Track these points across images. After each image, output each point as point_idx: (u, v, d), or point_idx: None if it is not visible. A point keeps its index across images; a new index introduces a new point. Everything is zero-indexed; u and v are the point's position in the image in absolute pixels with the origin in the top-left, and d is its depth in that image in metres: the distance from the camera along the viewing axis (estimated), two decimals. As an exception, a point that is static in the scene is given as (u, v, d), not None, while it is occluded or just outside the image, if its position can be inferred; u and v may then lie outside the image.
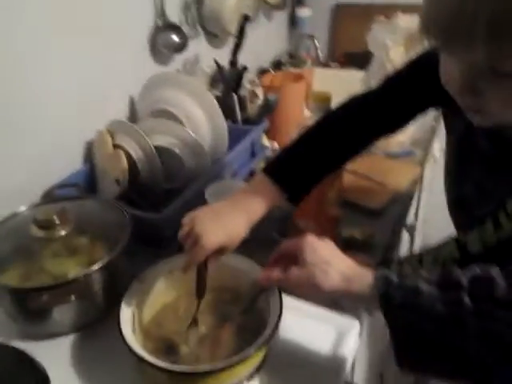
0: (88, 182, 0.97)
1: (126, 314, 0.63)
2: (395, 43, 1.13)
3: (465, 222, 0.77)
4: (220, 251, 0.65)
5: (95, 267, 0.66)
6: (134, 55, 1.11)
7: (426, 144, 1.23)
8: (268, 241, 0.88)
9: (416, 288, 0.49)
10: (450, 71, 0.51)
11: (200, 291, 0.65)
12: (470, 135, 0.67)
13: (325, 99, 0.71)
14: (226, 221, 0.66)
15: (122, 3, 1.04)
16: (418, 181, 1.09)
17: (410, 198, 1.01)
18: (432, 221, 1.64)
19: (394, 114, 0.75)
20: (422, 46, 1.13)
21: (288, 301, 0.64)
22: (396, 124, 0.78)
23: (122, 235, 0.72)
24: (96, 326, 0.71)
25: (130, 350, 0.56)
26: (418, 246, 1.45)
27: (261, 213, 0.70)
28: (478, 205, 0.70)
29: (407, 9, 1.30)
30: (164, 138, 0.96)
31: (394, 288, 0.51)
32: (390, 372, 1.09)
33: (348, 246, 0.83)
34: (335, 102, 0.75)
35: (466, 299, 0.47)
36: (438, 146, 1.34)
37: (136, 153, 0.91)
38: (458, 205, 0.76)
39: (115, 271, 0.71)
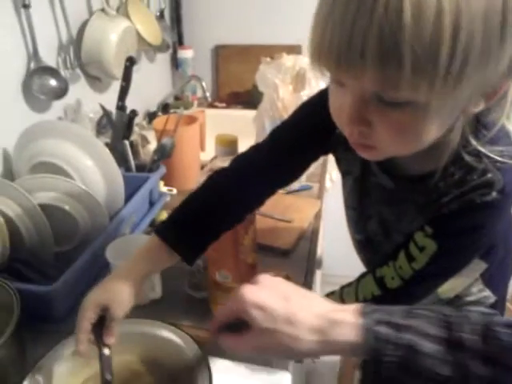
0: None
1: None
2: (284, 82, 1.17)
3: (373, 258, 0.79)
4: (109, 317, 0.59)
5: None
6: (5, 103, 0.98)
7: (319, 177, 1.28)
8: (183, 297, 0.81)
9: (414, 345, 0.43)
10: (340, 103, 0.52)
11: (103, 377, 0.56)
12: (367, 173, 0.70)
13: (231, 142, 0.69)
14: (107, 285, 0.61)
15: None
16: (320, 215, 1.11)
17: (316, 233, 1.03)
18: (333, 252, 1.71)
19: (285, 168, 0.73)
20: (309, 84, 1.18)
21: (215, 362, 0.59)
22: (289, 177, 0.76)
23: (9, 317, 0.60)
24: None
25: None
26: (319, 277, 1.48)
27: (145, 272, 0.64)
28: (385, 240, 0.73)
29: (283, 49, 1.36)
30: (50, 195, 0.84)
31: (387, 343, 0.43)
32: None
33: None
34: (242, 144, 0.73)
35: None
36: (329, 177, 1.41)
37: (17, 215, 0.79)
38: (366, 243, 0.78)
39: (4, 363, 0.59)
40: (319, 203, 1.13)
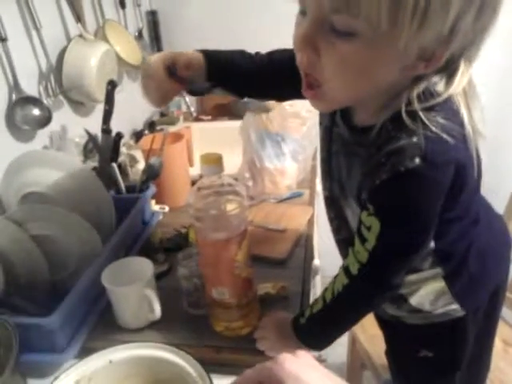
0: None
1: None
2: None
3: (341, 239, 0.82)
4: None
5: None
6: (-12, 137, 0.98)
7: (310, 183, 1.28)
8: (183, 316, 0.81)
9: None
10: (298, 31, 0.55)
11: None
12: (334, 123, 0.72)
13: (215, 160, 0.69)
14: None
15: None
16: (313, 221, 1.12)
17: (311, 240, 1.03)
18: (331, 254, 1.70)
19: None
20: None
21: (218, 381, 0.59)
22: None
23: (9, 353, 0.60)
24: None
25: None
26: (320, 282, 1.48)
27: None
28: (343, 202, 0.74)
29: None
30: (41, 225, 0.84)
31: None
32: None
33: (265, 305, 0.81)
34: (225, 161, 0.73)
35: None
36: (319, 181, 1.41)
37: (10, 249, 0.79)
38: (331, 203, 0.80)
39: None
40: (311, 209, 1.13)
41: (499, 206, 1.02)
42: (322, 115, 0.77)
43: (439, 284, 0.73)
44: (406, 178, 0.55)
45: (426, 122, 0.54)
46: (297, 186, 1.23)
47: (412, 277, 0.73)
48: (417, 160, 0.53)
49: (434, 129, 0.54)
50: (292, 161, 1.20)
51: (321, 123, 0.78)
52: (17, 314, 0.71)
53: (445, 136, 0.54)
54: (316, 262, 1.11)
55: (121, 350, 0.62)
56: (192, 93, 0.80)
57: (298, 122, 1.18)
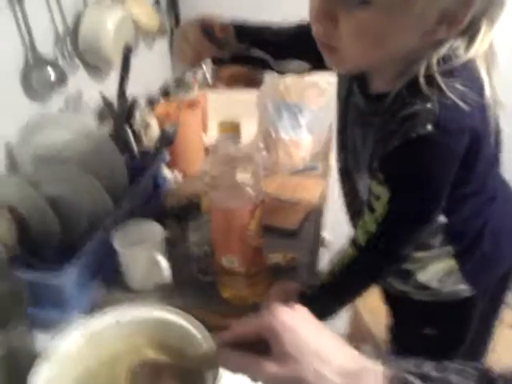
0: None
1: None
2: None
3: (353, 213, 0.81)
4: None
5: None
6: (4, 98, 0.98)
7: (324, 156, 1.26)
8: (191, 282, 0.82)
9: None
10: (315, 2, 0.54)
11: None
12: (350, 94, 0.71)
13: (233, 128, 0.68)
14: None
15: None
16: (325, 194, 1.11)
17: (321, 213, 1.02)
18: (338, 231, 1.70)
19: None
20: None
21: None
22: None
23: (17, 308, 0.61)
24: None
25: None
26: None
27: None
28: (356, 175, 0.73)
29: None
30: (55, 186, 0.85)
31: None
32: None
33: (273, 274, 0.81)
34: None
35: None
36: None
37: (24, 208, 0.79)
38: (345, 176, 0.79)
39: (13, 353, 0.60)
40: (324, 183, 1.12)
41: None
42: (339, 86, 0.76)
43: (449, 262, 0.72)
44: (418, 144, 0.54)
45: (443, 87, 0.53)
46: (311, 158, 1.21)
47: (422, 254, 0.72)
48: (429, 126, 0.52)
49: (450, 95, 0.52)
50: (308, 133, 1.18)
51: (338, 94, 0.76)
52: (27, 270, 0.72)
53: (460, 103, 0.52)
54: (326, 235, 1.10)
55: (128, 311, 0.62)
56: (219, 61, 0.85)
57: (316, 93, 1.16)
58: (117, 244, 0.76)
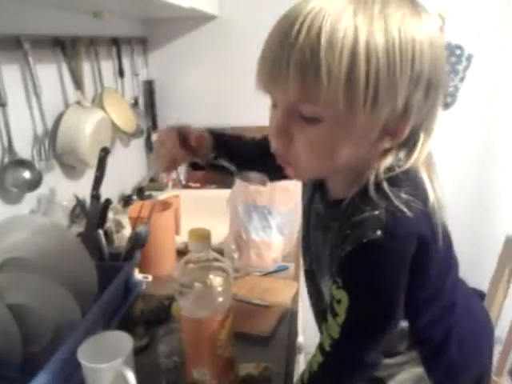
0: None
1: None
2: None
3: (317, 314, 0.82)
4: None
5: None
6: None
7: (295, 257, 1.28)
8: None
9: None
10: (272, 122, 0.60)
11: None
12: (312, 200, 0.75)
13: (204, 237, 0.70)
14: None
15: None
16: (298, 296, 1.11)
17: (295, 316, 1.02)
18: (311, 332, 1.67)
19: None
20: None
21: None
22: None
23: None
24: None
25: None
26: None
27: None
28: (319, 275, 0.75)
29: (257, 131, 1.41)
30: (18, 294, 0.82)
31: None
32: None
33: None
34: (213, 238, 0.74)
35: None
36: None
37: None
38: (310, 276, 0.80)
39: None
40: (296, 285, 1.13)
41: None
42: (303, 193, 0.80)
43: (418, 369, 0.72)
44: (369, 248, 0.57)
45: (390, 195, 0.57)
46: (282, 259, 1.23)
47: (389, 360, 0.72)
48: (378, 232, 0.55)
49: (396, 203, 0.56)
50: (278, 234, 1.21)
51: (302, 200, 0.81)
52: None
53: (406, 210, 0.56)
54: (300, 339, 1.08)
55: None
56: (194, 166, 0.89)
57: (286, 196, 1.20)
58: (82, 358, 0.72)
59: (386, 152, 0.60)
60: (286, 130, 0.58)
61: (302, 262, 1.20)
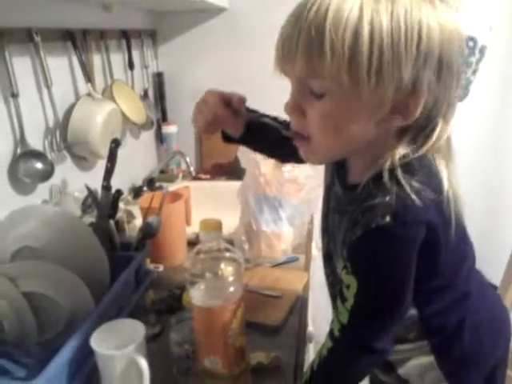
0: None
1: None
2: (265, 158, 1.20)
3: (333, 296, 0.81)
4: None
5: None
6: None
7: (305, 248, 1.28)
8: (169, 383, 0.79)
9: None
10: (287, 100, 0.62)
11: None
12: (333, 183, 0.76)
13: (215, 227, 0.70)
14: None
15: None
16: (308, 287, 1.11)
17: (306, 306, 1.02)
18: (324, 320, 1.67)
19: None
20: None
21: None
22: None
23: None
24: None
25: None
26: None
27: None
28: (336, 258, 0.75)
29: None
30: (33, 281, 0.83)
31: None
32: None
33: (257, 375, 0.79)
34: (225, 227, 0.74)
35: None
36: (314, 245, 1.41)
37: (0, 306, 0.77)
38: (327, 260, 0.80)
39: None
40: (306, 275, 1.13)
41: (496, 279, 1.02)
42: (325, 175, 0.81)
43: (428, 358, 0.71)
44: (377, 234, 0.57)
45: (402, 182, 0.57)
46: (292, 250, 1.23)
47: (400, 347, 0.72)
48: (387, 218, 0.56)
49: (407, 190, 0.57)
50: (288, 225, 1.20)
51: (324, 183, 0.81)
52: (-1, 376, 0.68)
53: (416, 199, 0.56)
54: (310, 329, 1.09)
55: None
56: (226, 138, 0.90)
57: (295, 188, 1.20)
58: (95, 345, 0.73)
59: (401, 136, 0.60)
60: (298, 106, 0.61)
61: (315, 252, 1.20)
